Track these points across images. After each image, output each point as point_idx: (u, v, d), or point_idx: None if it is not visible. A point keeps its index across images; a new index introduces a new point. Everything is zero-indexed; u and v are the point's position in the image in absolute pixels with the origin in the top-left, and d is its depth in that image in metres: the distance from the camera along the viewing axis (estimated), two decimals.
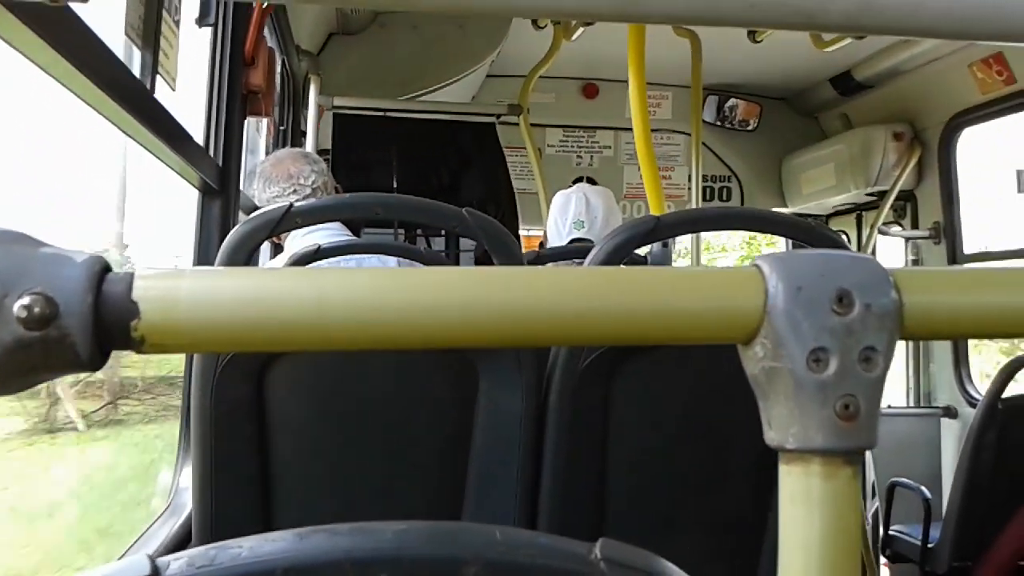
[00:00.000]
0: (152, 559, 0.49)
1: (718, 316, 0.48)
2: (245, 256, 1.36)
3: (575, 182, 4.17)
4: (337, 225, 2.29)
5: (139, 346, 0.43)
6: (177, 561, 0.49)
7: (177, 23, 1.70)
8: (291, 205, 1.35)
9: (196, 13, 2.01)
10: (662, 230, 1.45)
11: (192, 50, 1.94)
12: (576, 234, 2.93)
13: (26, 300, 0.41)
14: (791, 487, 0.48)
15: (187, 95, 1.83)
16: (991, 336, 0.51)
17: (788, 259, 0.48)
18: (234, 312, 0.43)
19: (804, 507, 0.47)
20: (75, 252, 0.44)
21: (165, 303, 0.43)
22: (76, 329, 0.42)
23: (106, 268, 0.44)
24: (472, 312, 0.45)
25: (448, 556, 0.51)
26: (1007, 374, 2.90)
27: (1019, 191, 3.89)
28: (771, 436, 0.49)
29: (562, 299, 0.46)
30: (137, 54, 1.45)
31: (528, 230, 4.56)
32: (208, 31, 2.06)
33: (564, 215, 3.00)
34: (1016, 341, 4.99)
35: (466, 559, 0.50)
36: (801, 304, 0.47)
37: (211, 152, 1.99)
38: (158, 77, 1.51)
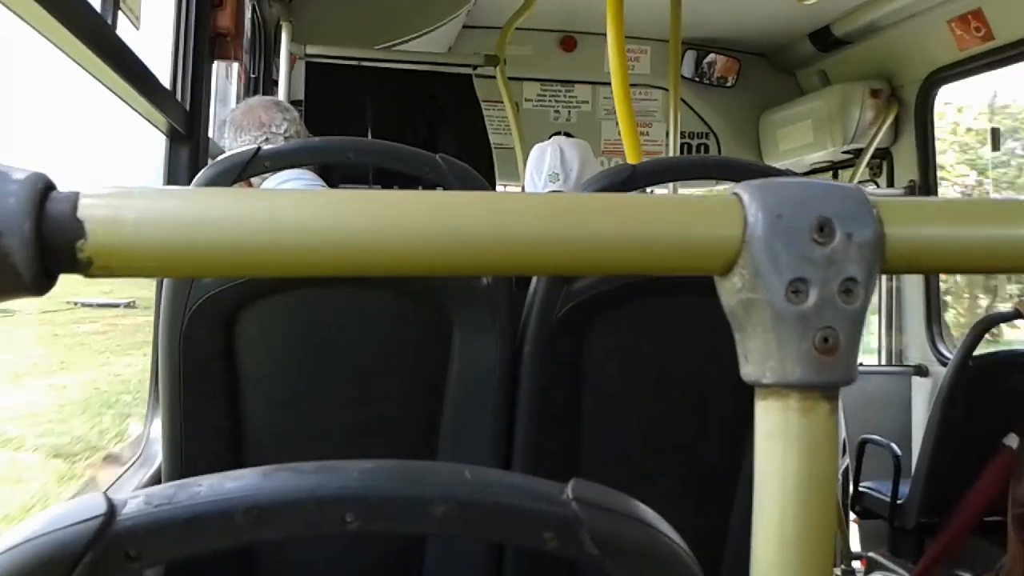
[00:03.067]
0: (108, 497, 0.47)
1: (695, 245, 0.46)
2: None
3: (553, 136, 4.14)
4: (312, 176, 2.25)
5: (86, 268, 0.41)
6: (135, 499, 0.47)
7: None
8: (259, 148, 1.32)
9: None
10: (638, 178, 1.43)
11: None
12: (551, 187, 2.89)
13: None
14: (768, 422, 0.47)
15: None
16: (976, 271, 0.49)
17: (769, 186, 0.46)
18: (184, 233, 0.41)
19: (781, 442, 0.46)
20: (15, 169, 0.41)
21: (113, 223, 0.41)
22: (17, 249, 0.39)
23: (49, 186, 0.41)
24: (434, 236, 0.43)
25: (415, 495, 0.49)
26: (978, 333, 2.93)
27: (993, 149, 3.90)
28: (747, 371, 0.47)
29: (530, 224, 0.44)
30: None
31: (505, 185, 4.52)
32: None
33: (539, 168, 2.96)
34: None
35: (434, 498, 0.48)
36: (781, 233, 0.45)
37: (178, 96, 1.94)
38: (120, 15, 1.45)
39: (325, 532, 0.47)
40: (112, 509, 0.46)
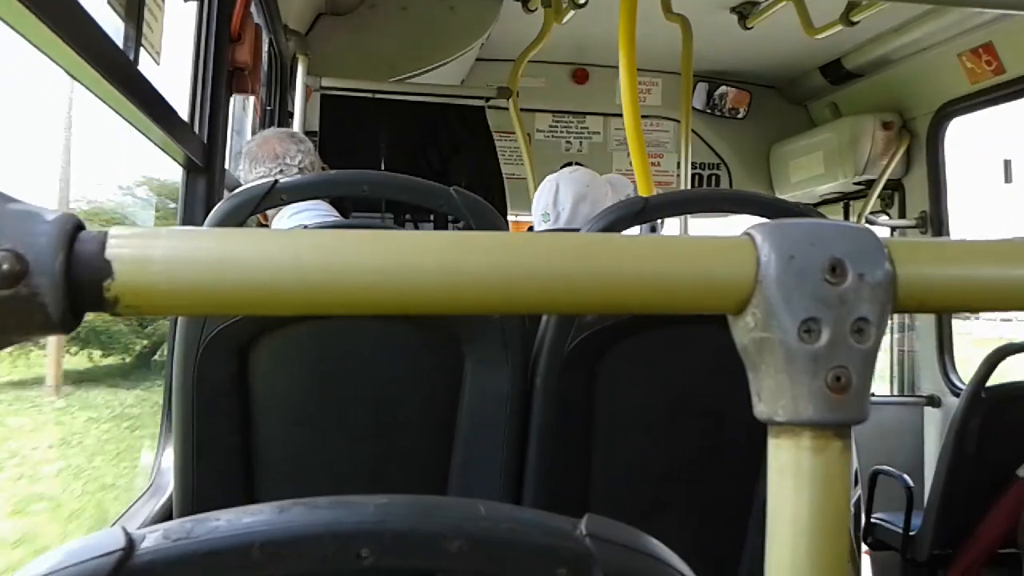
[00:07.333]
0: (127, 531, 0.47)
1: (709, 285, 0.47)
2: None
3: (564, 167, 4.15)
4: (325, 207, 2.27)
5: (113, 307, 0.42)
6: (153, 534, 0.48)
7: None
8: (276, 181, 1.34)
9: None
10: (650, 211, 1.44)
11: (178, 27, 1.91)
12: (543, 227, 2.80)
13: None
14: (780, 460, 0.47)
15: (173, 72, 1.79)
16: (986, 309, 0.50)
17: (781, 228, 0.47)
18: (210, 273, 0.42)
19: (793, 480, 0.46)
20: (46, 209, 0.42)
21: (139, 262, 0.42)
22: (47, 288, 0.40)
23: (79, 226, 0.42)
24: (454, 276, 0.44)
25: (430, 530, 0.49)
26: (991, 363, 2.91)
27: (1006, 181, 3.90)
28: (760, 409, 0.48)
29: (549, 265, 0.45)
30: (120, 26, 1.42)
31: (517, 215, 4.54)
32: (194, 7, 2.03)
33: (537, 205, 2.92)
34: None
35: (448, 533, 0.49)
36: (793, 273, 0.46)
37: (196, 129, 1.96)
38: (142, 51, 1.48)
39: (340, 567, 0.48)
40: (131, 543, 0.46)
